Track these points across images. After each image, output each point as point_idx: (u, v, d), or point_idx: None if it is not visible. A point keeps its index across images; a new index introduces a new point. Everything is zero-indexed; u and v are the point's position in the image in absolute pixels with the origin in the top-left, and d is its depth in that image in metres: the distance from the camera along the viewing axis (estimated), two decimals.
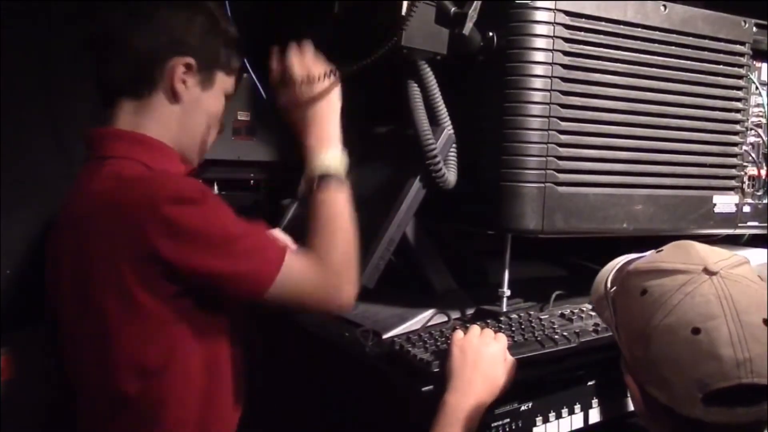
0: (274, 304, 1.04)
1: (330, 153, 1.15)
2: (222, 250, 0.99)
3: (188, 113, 1.13)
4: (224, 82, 1.19)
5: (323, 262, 1.07)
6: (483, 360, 1.13)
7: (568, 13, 1.26)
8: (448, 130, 1.28)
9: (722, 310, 0.86)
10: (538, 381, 1.25)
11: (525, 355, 1.20)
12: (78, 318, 1.07)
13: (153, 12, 1.10)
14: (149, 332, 1.02)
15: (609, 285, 1.03)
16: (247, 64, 1.50)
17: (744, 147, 1.51)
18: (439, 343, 1.22)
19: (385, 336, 1.31)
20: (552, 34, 1.25)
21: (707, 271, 0.90)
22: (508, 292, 1.35)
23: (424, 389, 1.13)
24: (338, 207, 1.12)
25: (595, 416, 1.31)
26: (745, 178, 1.53)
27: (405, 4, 1.20)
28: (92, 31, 1.13)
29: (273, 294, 1.02)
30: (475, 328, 1.18)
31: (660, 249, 0.98)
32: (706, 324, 0.86)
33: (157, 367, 1.04)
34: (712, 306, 0.87)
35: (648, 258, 0.99)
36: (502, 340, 1.18)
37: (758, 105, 1.53)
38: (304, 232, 1.46)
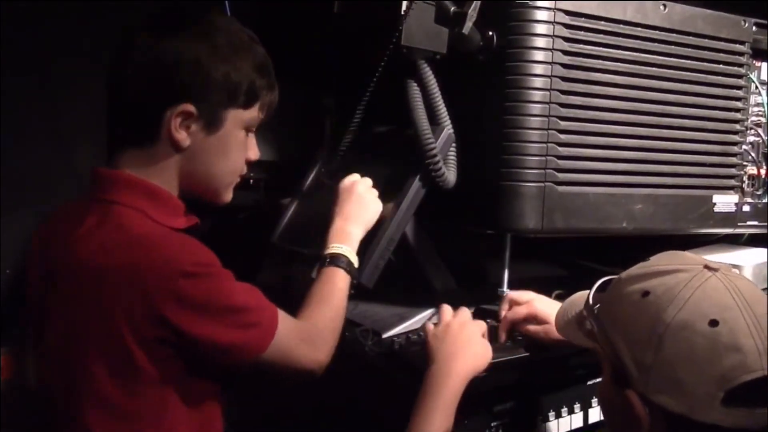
0: (261, 366, 1.05)
1: (347, 248, 1.21)
2: (225, 321, 1.00)
3: (195, 159, 1.07)
4: (241, 117, 1.08)
5: (313, 330, 1.10)
6: (459, 336, 1.16)
7: (568, 13, 1.26)
8: (448, 129, 1.28)
9: (735, 302, 0.84)
10: (538, 381, 1.25)
11: (524, 355, 1.20)
12: (63, 351, 1.04)
13: (148, 49, 1.02)
14: (138, 386, 1.01)
15: (591, 301, 0.99)
16: None
17: (744, 146, 1.51)
18: (423, 342, 1.22)
19: (384, 335, 1.31)
20: (552, 34, 1.25)
21: (709, 268, 0.89)
22: (507, 292, 1.35)
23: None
24: (339, 285, 1.17)
25: (595, 416, 1.31)
26: (745, 178, 1.53)
27: (405, 4, 1.20)
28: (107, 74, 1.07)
29: (263, 359, 1.03)
30: (446, 308, 1.23)
31: (646, 259, 0.97)
32: (724, 315, 0.83)
33: (135, 417, 1.02)
34: (726, 298, 0.85)
35: (637, 266, 0.96)
36: (478, 322, 1.21)
37: (758, 104, 1.53)
38: (303, 233, 1.46)
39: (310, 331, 1.10)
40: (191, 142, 1.04)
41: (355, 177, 1.29)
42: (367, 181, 1.28)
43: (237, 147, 1.10)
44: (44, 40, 1.48)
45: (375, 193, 1.28)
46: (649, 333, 0.86)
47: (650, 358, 0.86)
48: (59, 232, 1.08)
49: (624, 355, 0.89)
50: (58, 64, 1.50)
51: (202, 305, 0.98)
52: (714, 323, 0.83)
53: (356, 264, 1.21)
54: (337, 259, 1.19)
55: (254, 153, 1.15)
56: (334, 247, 1.20)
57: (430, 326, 1.21)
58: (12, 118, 1.47)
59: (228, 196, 1.15)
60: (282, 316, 1.06)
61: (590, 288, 1.07)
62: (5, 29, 1.44)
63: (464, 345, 1.15)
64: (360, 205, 1.25)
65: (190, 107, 1.02)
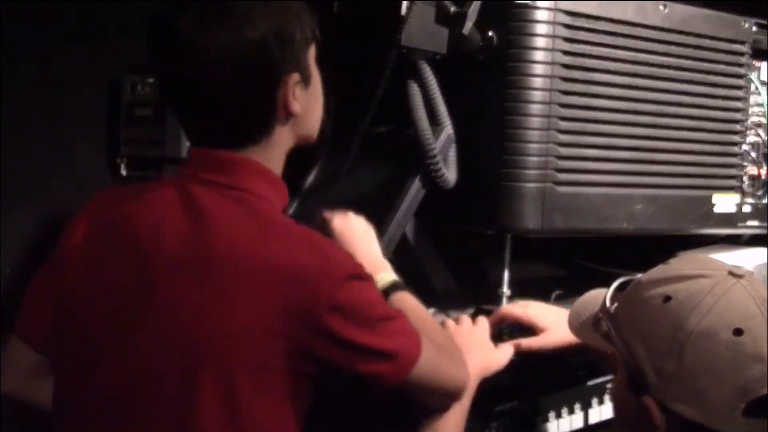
0: (410, 386, 0.96)
1: (383, 273, 1.10)
2: (380, 327, 0.93)
3: (306, 117, 1.00)
4: (313, 53, 1.00)
5: (443, 351, 1.02)
6: (470, 340, 1.14)
7: (568, 13, 1.26)
8: (448, 129, 1.28)
9: (760, 311, 0.82)
10: (538, 381, 1.25)
11: (525, 355, 1.20)
12: (170, 362, 0.88)
13: (226, 48, 0.89)
14: (272, 407, 0.90)
15: (609, 302, 0.95)
16: None
17: (744, 146, 1.51)
18: None
19: None
20: (552, 34, 1.25)
21: (733, 274, 0.86)
22: (508, 292, 1.35)
23: None
24: (421, 310, 1.08)
25: (595, 416, 1.31)
26: (745, 178, 1.53)
27: (405, 4, 1.20)
28: (175, 87, 0.96)
29: (413, 376, 0.94)
30: (450, 322, 1.20)
31: (667, 262, 0.94)
32: (748, 324, 0.81)
33: None
34: (750, 306, 0.82)
35: (658, 269, 0.93)
36: (484, 324, 1.19)
37: (758, 104, 1.53)
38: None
39: (445, 347, 1.02)
40: (300, 106, 0.96)
41: (336, 215, 1.16)
42: (335, 215, 1.16)
43: (320, 81, 1.03)
44: (44, 39, 1.48)
45: (349, 214, 1.17)
46: (670, 340, 0.84)
47: (671, 365, 0.83)
48: (151, 220, 0.92)
49: (643, 361, 0.87)
50: (58, 63, 1.50)
51: (364, 311, 0.91)
52: (738, 332, 0.81)
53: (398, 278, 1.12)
54: (396, 287, 1.08)
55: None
56: (383, 279, 1.08)
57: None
58: (12, 118, 1.46)
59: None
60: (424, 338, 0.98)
61: (598, 288, 1.07)
62: (5, 29, 1.44)
63: (475, 345, 1.14)
64: (365, 231, 1.16)
65: (297, 76, 0.95)
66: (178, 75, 0.93)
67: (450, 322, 1.21)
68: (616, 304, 0.95)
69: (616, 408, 0.99)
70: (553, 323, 1.19)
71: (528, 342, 1.19)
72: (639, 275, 0.95)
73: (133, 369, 0.89)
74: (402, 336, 0.95)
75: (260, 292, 0.87)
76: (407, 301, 1.07)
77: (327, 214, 1.16)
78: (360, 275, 0.92)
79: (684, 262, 0.93)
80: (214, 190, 0.92)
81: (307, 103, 0.99)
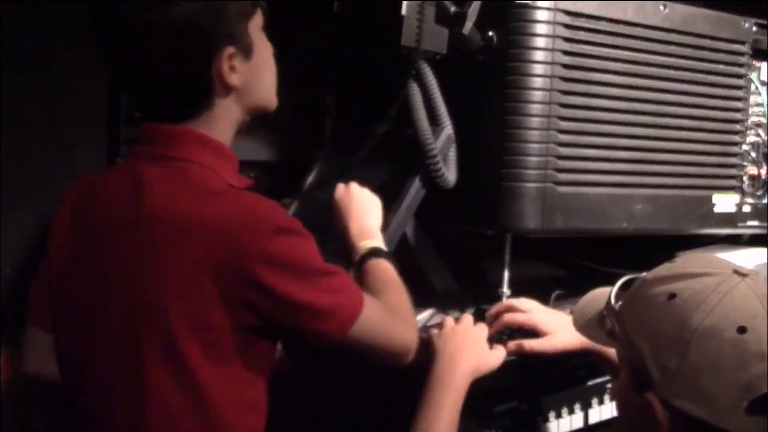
0: (352, 344, 0.98)
1: (375, 241, 1.17)
2: (319, 284, 0.95)
3: (249, 88, 1.01)
4: (256, 23, 1.01)
5: (393, 311, 1.05)
6: (465, 336, 1.16)
7: (568, 13, 1.26)
8: (448, 129, 1.28)
9: (764, 309, 0.82)
10: (538, 381, 1.25)
11: (525, 356, 1.20)
12: (128, 318, 0.94)
13: (159, 24, 0.92)
14: (215, 353, 0.93)
15: (614, 300, 0.96)
16: None
17: (744, 146, 1.51)
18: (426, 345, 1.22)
19: None
20: (552, 34, 1.25)
21: (738, 273, 0.86)
22: (508, 292, 1.35)
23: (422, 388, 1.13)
24: (391, 272, 1.13)
25: (595, 416, 1.31)
26: (745, 178, 1.53)
27: (405, 4, 1.20)
28: (115, 64, 1.01)
29: (354, 333, 0.97)
30: (449, 321, 1.21)
31: (672, 260, 0.94)
32: (752, 322, 0.81)
33: (205, 387, 0.94)
34: (755, 305, 0.83)
35: (663, 267, 0.93)
36: (482, 326, 1.21)
37: (758, 104, 1.53)
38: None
39: (396, 308, 1.05)
40: (241, 76, 0.99)
41: (341, 185, 1.27)
42: (355, 184, 1.26)
43: (267, 50, 1.06)
44: (44, 39, 1.48)
45: (352, 185, 1.26)
46: (674, 338, 0.84)
47: (674, 363, 0.83)
48: (107, 197, 1.00)
49: (646, 359, 0.87)
50: (58, 63, 1.50)
51: (296, 264, 0.94)
52: (742, 330, 0.81)
53: (384, 246, 1.17)
54: (375, 253, 1.14)
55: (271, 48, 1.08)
56: (365, 246, 1.15)
57: (434, 330, 1.21)
58: (12, 118, 1.46)
59: (276, 99, 1.09)
60: (369, 295, 1.02)
61: (601, 287, 1.06)
62: (5, 29, 1.44)
63: (469, 344, 1.15)
64: (363, 202, 1.24)
65: (231, 49, 0.96)
66: (117, 56, 0.98)
67: (449, 320, 1.22)
68: (620, 302, 0.95)
69: (620, 406, 0.98)
70: (556, 328, 1.20)
71: (530, 344, 1.20)
72: (644, 273, 0.95)
73: (96, 333, 0.98)
74: (340, 294, 0.97)
75: (190, 248, 0.91)
76: (380, 265, 1.12)
77: (341, 184, 1.25)
78: (292, 230, 0.95)
79: (689, 260, 0.93)
80: (157, 163, 0.98)
81: (251, 74, 1.00)
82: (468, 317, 1.23)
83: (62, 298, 1.03)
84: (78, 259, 1.02)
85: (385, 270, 1.13)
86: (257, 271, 0.91)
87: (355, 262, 1.16)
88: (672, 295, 0.86)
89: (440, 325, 1.22)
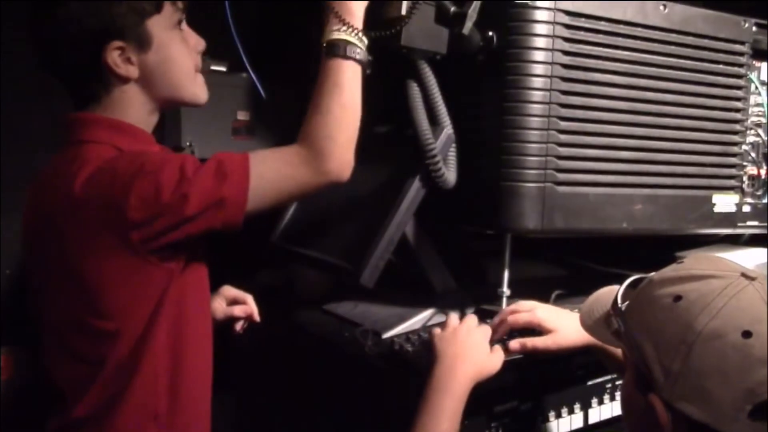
0: (263, 209, 1.06)
1: (346, 29, 1.13)
2: (182, 200, 1.01)
3: (151, 79, 1.11)
4: (162, 21, 1.10)
5: (304, 139, 1.09)
6: (467, 340, 1.15)
7: (567, 13, 1.26)
8: (448, 129, 1.28)
9: None
10: (538, 381, 1.25)
11: (525, 355, 1.20)
12: (58, 283, 1.08)
13: (49, 20, 1.06)
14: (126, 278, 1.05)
15: (620, 300, 0.95)
16: (247, 64, 1.50)
17: (744, 146, 1.51)
18: (427, 345, 1.22)
19: (384, 335, 1.31)
20: (552, 34, 1.25)
21: (746, 276, 0.85)
22: (507, 292, 1.35)
23: (422, 389, 1.13)
24: (337, 80, 1.11)
25: (595, 416, 1.31)
26: (745, 178, 1.53)
27: (405, 4, 1.20)
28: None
29: (253, 207, 1.04)
30: (452, 321, 1.20)
31: (680, 261, 0.93)
32: (757, 327, 0.80)
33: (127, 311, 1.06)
34: (760, 309, 0.82)
35: (671, 268, 0.92)
36: (485, 328, 1.19)
37: (758, 105, 1.53)
38: (303, 233, 1.46)
39: (297, 153, 1.08)
40: (138, 68, 1.09)
41: None
42: None
43: (176, 46, 1.12)
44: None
45: None
46: (678, 340, 0.83)
47: (678, 365, 0.83)
48: (43, 185, 1.12)
49: (650, 360, 0.86)
50: None
51: (156, 201, 1.00)
52: (747, 335, 0.80)
53: (361, 43, 1.13)
54: (334, 48, 1.12)
55: (195, 40, 1.16)
56: (328, 34, 1.13)
57: (437, 330, 1.19)
58: (12, 118, 1.47)
59: (202, 93, 1.17)
60: (255, 153, 1.07)
61: (603, 286, 1.06)
62: (5, 29, 1.44)
63: (471, 348, 1.14)
64: None
65: (119, 42, 1.06)
66: (36, 53, 1.11)
67: (452, 319, 1.21)
68: (627, 302, 0.95)
69: (625, 406, 0.98)
70: (560, 325, 1.19)
71: (533, 342, 1.19)
72: (652, 273, 0.95)
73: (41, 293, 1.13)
74: (223, 177, 1.03)
75: (87, 209, 1.02)
76: (324, 71, 1.12)
77: None
78: (146, 171, 1.01)
79: (697, 262, 0.92)
80: (65, 148, 1.10)
81: (152, 67, 1.10)
82: (472, 317, 1.21)
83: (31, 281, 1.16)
84: (30, 246, 1.16)
85: (331, 80, 1.11)
86: (131, 217, 0.99)
87: (321, 48, 1.14)
88: (678, 297, 0.86)
89: (443, 324, 1.21)
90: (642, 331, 0.89)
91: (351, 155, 1.11)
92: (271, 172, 1.07)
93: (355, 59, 1.12)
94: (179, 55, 1.13)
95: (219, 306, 1.32)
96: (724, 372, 0.80)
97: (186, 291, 1.11)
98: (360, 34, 1.13)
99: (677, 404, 0.83)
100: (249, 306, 1.34)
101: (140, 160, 1.02)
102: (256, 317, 1.34)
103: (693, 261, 0.93)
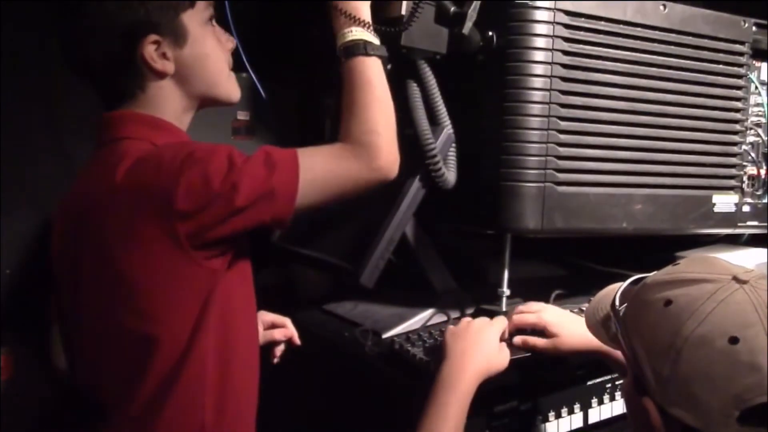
0: (313, 204, 1.03)
1: (357, 29, 1.13)
2: (231, 189, 0.97)
3: (187, 75, 1.09)
4: (196, 16, 1.09)
5: (348, 137, 1.07)
6: (477, 336, 1.15)
7: (567, 13, 1.26)
8: (448, 129, 1.28)
9: (759, 319, 0.81)
10: (538, 381, 1.25)
11: (525, 355, 1.20)
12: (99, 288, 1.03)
13: (84, 20, 1.05)
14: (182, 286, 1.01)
15: (618, 302, 0.95)
16: (247, 64, 1.50)
17: (744, 146, 1.51)
18: (438, 343, 1.22)
19: (384, 335, 1.31)
20: (552, 34, 1.25)
21: (737, 279, 0.84)
22: (507, 292, 1.35)
23: (424, 388, 1.13)
24: (366, 76, 1.11)
25: (595, 416, 1.31)
26: (745, 178, 1.53)
27: (405, 4, 1.20)
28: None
29: (303, 201, 1.01)
30: (466, 318, 1.21)
31: (676, 263, 0.93)
32: (745, 332, 0.80)
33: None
34: (749, 314, 0.81)
35: (665, 270, 0.92)
36: (498, 323, 1.20)
37: (758, 104, 1.53)
38: (303, 233, 1.46)
39: (344, 148, 1.06)
40: (174, 64, 1.07)
41: None
42: None
43: (210, 42, 1.12)
44: (44, 40, 1.48)
45: None
46: (667, 345, 0.83)
47: (667, 370, 0.83)
48: (79, 188, 1.10)
49: (643, 364, 0.86)
50: (58, 64, 1.50)
51: (208, 191, 0.96)
52: (734, 341, 0.80)
53: (377, 39, 1.13)
54: (354, 48, 1.11)
55: (225, 37, 1.15)
56: (344, 36, 1.12)
57: (450, 326, 1.20)
58: (12, 118, 1.46)
59: (235, 91, 1.16)
60: (302, 148, 1.04)
61: (603, 286, 1.06)
62: (5, 29, 1.44)
63: (480, 344, 1.14)
64: None
65: (155, 36, 1.05)
66: (66, 52, 1.10)
67: (464, 319, 1.21)
68: (626, 304, 0.94)
69: (627, 407, 0.98)
70: (563, 331, 1.19)
71: (534, 341, 1.20)
72: (649, 275, 0.95)
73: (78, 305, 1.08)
74: (271, 168, 1.00)
75: (130, 206, 0.99)
76: (349, 73, 1.12)
77: None
78: (195, 159, 0.98)
79: (690, 264, 0.91)
80: (101, 147, 1.08)
81: (188, 62, 1.08)
82: (483, 319, 1.21)
83: (60, 289, 1.12)
84: (64, 251, 1.10)
85: (359, 78, 1.11)
86: (179, 206, 0.96)
87: (339, 52, 1.14)
88: (668, 302, 0.85)
89: (457, 321, 1.21)
90: (636, 335, 0.89)
91: (397, 151, 1.10)
92: (321, 165, 1.04)
93: (376, 55, 1.12)
94: (214, 50, 1.11)
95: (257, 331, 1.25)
96: (712, 378, 0.80)
97: (232, 294, 1.06)
98: (372, 30, 1.13)
99: (669, 409, 0.83)
100: (289, 329, 1.32)
101: (188, 149, 0.99)
102: (297, 340, 1.32)
103: (687, 264, 0.92)
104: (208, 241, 0.99)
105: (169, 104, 1.09)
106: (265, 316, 1.32)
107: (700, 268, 0.89)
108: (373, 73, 1.11)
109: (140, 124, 1.07)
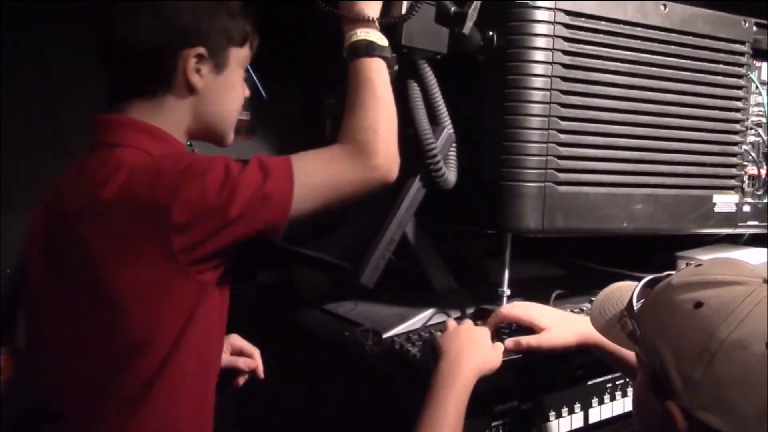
0: (310, 209, 1.02)
1: (363, 30, 1.13)
2: (230, 204, 0.97)
3: (206, 101, 1.08)
4: (239, 55, 1.11)
5: (345, 136, 1.07)
6: (470, 336, 1.16)
7: (568, 13, 1.26)
8: (448, 129, 1.28)
9: None
10: (538, 381, 1.25)
11: (522, 355, 1.20)
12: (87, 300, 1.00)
13: (151, 3, 1.02)
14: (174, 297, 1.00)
15: (635, 301, 0.93)
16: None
17: (744, 146, 1.51)
18: (432, 346, 1.22)
19: (385, 335, 1.31)
20: (552, 34, 1.25)
21: None
22: (508, 292, 1.35)
23: (424, 388, 1.13)
24: (368, 77, 1.11)
25: (595, 416, 1.31)
26: (745, 178, 1.53)
27: (405, 4, 1.20)
28: (93, 29, 1.06)
29: (299, 206, 1.00)
30: (452, 322, 1.22)
31: (698, 264, 0.91)
32: None
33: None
34: None
35: (688, 272, 0.90)
36: (484, 328, 1.21)
37: (758, 104, 1.53)
38: (303, 233, 1.46)
39: (341, 148, 1.06)
40: (203, 84, 1.06)
41: None
42: None
43: (239, 84, 1.13)
44: (44, 40, 1.48)
45: None
46: (700, 349, 0.81)
47: (699, 374, 0.80)
48: (64, 189, 1.06)
49: (669, 367, 0.84)
50: (58, 64, 1.50)
51: (202, 205, 0.95)
52: None
53: (382, 41, 1.14)
54: (357, 49, 1.12)
55: (247, 91, 1.17)
56: (350, 37, 1.13)
57: (438, 332, 1.21)
58: (12, 118, 1.47)
59: (232, 136, 1.17)
60: (297, 155, 1.03)
61: (603, 286, 1.06)
62: (5, 29, 1.44)
63: (474, 342, 1.16)
64: None
65: (202, 50, 1.05)
66: (103, 34, 1.06)
67: (451, 321, 1.22)
68: (641, 303, 0.93)
69: (637, 408, 0.96)
70: (552, 324, 1.20)
71: (528, 340, 1.19)
72: (667, 273, 0.93)
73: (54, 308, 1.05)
74: (265, 174, 0.99)
75: (124, 216, 0.97)
76: (352, 73, 1.12)
77: None
78: (192, 172, 0.97)
79: (717, 266, 0.89)
80: (94, 151, 1.05)
81: (214, 87, 1.08)
82: (468, 320, 1.23)
83: (33, 281, 1.09)
84: (46, 252, 1.07)
85: (362, 79, 1.11)
86: (173, 220, 0.94)
87: (344, 53, 1.14)
88: (699, 304, 0.83)
89: (443, 326, 1.23)
90: (660, 337, 0.86)
91: (396, 150, 1.10)
92: (316, 167, 1.03)
93: (379, 56, 1.13)
94: (237, 91, 1.13)
95: (222, 354, 1.22)
96: (748, 383, 0.78)
97: (212, 309, 1.05)
98: (379, 31, 1.14)
99: (697, 413, 0.81)
100: (254, 361, 1.29)
101: (186, 161, 0.98)
102: (260, 374, 1.29)
103: (713, 266, 0.90)
104: (204, 254, 0.97)
105: (175, 120, 1.07)
106: (236, 341, 1.30)
107: (727, 270, 0.87)
108: (374, 73, 1.12)
109: (139, 133, 1.05)
